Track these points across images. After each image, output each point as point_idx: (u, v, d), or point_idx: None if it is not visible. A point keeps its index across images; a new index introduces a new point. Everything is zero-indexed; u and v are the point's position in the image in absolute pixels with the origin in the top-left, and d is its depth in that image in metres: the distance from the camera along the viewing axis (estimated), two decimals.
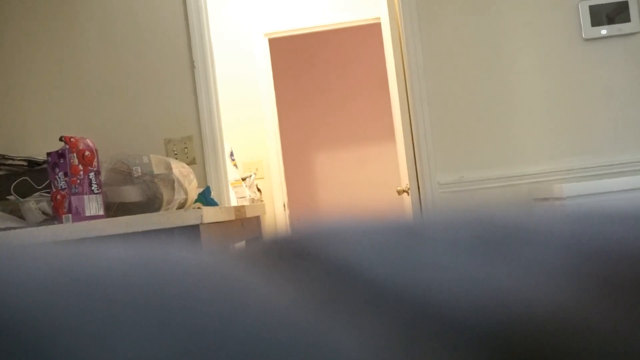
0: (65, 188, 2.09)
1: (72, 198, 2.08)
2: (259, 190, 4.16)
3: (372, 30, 6.16)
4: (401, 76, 3.12)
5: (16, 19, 3.10)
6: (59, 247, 0.21)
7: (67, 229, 1.95)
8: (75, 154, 2.12)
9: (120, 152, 2.33)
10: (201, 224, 2.01)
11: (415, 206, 3.07)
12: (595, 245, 0.22)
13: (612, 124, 2.97)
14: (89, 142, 2.19)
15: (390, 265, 0.20)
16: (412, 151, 3.06)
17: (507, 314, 0.18)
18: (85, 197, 2.12)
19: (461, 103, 3.00)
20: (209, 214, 2.06)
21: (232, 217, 2.45)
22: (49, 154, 2.13)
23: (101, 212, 2.17)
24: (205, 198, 2.71)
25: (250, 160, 4.34)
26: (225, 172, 3.09)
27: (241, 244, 2.82)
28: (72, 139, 2.13)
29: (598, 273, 0.20)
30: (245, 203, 3.63)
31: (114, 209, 2.26)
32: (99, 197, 2.17)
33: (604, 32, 2.96)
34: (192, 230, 1.99)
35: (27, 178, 2.45)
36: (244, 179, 3.84)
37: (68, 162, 2.10)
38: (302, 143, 6.18)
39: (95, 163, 2.17)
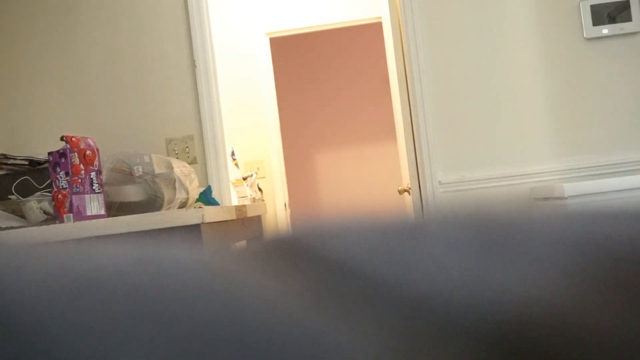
0: (66, 187, 2.09)
1: (73, 197, 2.09)
2: (260, 189, 4.16)
3: (373, 29, 6.16)
4: (402, 75, 3.12)
5: (18, 19, 3.11)
6: (60, 246, 0.21)
7: (68, 229, 1.95)
8: (76, 154, 2.12)
9: (121, 151, 2.33)
10: (202, 223, 2.01)
11: (416, 205, 3.07)
12: (596, 245, 0.22)
13: (613, 123, 2.97)
14: (90, 141, 2.19)
15: (391, 264, 0.20)
16: (413, 150, 3.06)
17: (507, 312, 0.18)
18: (87, 196, 2.13)
19: (462, 102, 3.00)
20: (210, 214, 2.06)
21: (233, 217, 2.45)
22: (50, 154, 2.13)
23: (102, 212, 2.17)
24: (207, 197, 2.71)
25: (252, 159, 4.34)
26: (227, 172, 3.09)
27: (242, 243, 2.82)
28: (73, 139, 2.13)
29: (599, 272, 0.20)
30: (247, 202, 3.63)
31: (115, 208, 2.26)
32: (100, 197, 2.17)
33: (605, 31, 2.96)
34: (193, 230, 1.99)
35: (29, 177, 2.45)
36: (245, 179, 3.84)
37: (69, 162, 2.10)
38: (303, 142, 6.18)
39: (96, 162, 2.17)
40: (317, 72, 6.16)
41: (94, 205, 2.14)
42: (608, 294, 0.19)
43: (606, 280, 0.20)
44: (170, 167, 2.33)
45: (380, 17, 4.30)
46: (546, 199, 2.76)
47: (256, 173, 4.11)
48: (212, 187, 2.91)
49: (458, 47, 3.00)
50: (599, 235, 0.22)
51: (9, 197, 2.42)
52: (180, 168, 2.38)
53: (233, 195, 3.29)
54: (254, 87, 4.33)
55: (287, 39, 6.20)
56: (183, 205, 2.39)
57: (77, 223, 1.96)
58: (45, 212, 2.21)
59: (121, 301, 0.17)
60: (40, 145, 3.08)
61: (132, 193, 2.24)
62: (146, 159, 2.29)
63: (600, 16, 2.96)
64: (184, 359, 0.15)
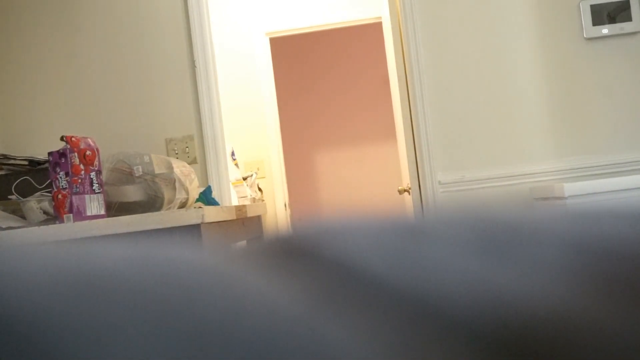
0: (66, 187, 2.09)
1: (73, 197, 2.09)
2: (260, 189, 4.16)
3: (373, 29, 6.16)
4: (402, 75, 3.12)
5: (18, 20, 3.11)
6: (60, 246, 0.21)
7: (68, 229, 1.95)
8: (76, 154, 2.12)
9: (121, 151, 2.33)
10: (202, 223, 2.01)
11: (416, 205, 3.07)
12: (596, 245, 0.22)
13: (613, 123, 2.97)
14: (90, 141, 2.19)
15: (391, 264, 0.20)
16: (413, 150, 3.06)
17: (508, 312, 0.18)
18: (87, 196, 2.13)
19: (462, 102, 3.00)
20: (210, 214, 2.06)
21: (233, 217, 2.45)
22: (50, 154, 2.13)
23: (102, 212, 2.17)
24: (207, 197, 2.71)
25: (252, 159, 4.34)
26: (227, 172, 3.09)
27: (242, 243, 2.82)
28: (73, 139, 2.13)
29: (599, 272, 0.20)
30: (247, 202, 3.63)
31: (115, 208, 2.26)
32: (100, 197, 2.17)
33: (605, 31, 2.96)
34: (193, 230, 1.99)
35: (29, 178, 2.45)
36: (245, 179, 3.84)
37: (69, 162, 2.10)
38: (303, 142, 6.18)
39: (96, 162, 2.17)
40: (317, 72, 6.16)
41: (94, 205, 2.14)
42: (608, 294, 0.19)
43: (606, 280, 0.20)
44: (170, 167, 2.33)
45: (380, 17, 4.30)
46: (546, 199, 2.76)
47: (256, 173, 4.11)
48: (212, 187, 2.91)
49: (458, 47, 3.00)
50: (599, 235, 0.22)
51: (9, 197, 2.42)
52: (180, 168, 2.38)
53: (233, 195, 3.29)
54: (254, 87, 4.33)
55: (287, 39, 6.20)
56: (183, 205, 2.39)
57: (77, 223, 1.96)
58: (45, 212, 2.21)
59: (121, 301, 0.17)
60: (40, 145, 3.08)
61: (132, 193, 2.24)
62: (146, 159, 2.29)
63: (600, 16, 2.96)
64: (184, 359, 0.15)
